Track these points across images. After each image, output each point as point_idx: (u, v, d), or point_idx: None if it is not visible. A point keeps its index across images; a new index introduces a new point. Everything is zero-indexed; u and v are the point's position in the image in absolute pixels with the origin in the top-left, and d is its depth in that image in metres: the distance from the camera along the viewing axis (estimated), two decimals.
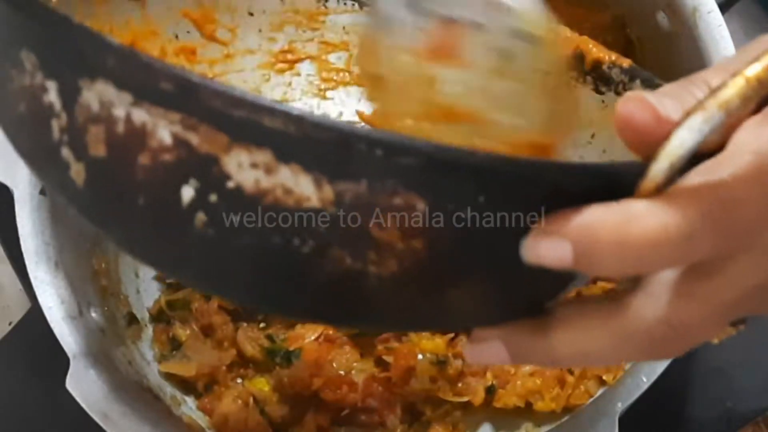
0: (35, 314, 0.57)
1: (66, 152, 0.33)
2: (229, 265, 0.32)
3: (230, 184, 0.30)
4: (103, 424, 0.53)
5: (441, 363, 0.60)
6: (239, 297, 0.36)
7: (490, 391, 0.60)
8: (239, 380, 0.63)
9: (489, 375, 0.61)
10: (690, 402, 0.62)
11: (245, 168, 0.30)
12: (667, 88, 0.33)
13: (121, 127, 0.31)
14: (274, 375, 0.62)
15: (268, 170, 0.30)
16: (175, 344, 0.64)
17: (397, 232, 0.30)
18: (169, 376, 0.63)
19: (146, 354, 0.64)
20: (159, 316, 0.65)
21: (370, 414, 0.60)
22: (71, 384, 0.53)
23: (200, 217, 0.31)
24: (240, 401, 0.61)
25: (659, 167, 0.30)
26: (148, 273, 0.67)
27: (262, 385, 0.62)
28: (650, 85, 0.52)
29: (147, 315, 0.66)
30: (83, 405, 0.53)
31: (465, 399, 0.61)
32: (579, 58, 0.55)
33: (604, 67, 0.54)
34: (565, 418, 0.59)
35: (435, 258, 0.31)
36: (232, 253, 0.31)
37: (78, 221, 0.61)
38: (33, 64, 0.33)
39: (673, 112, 0.31)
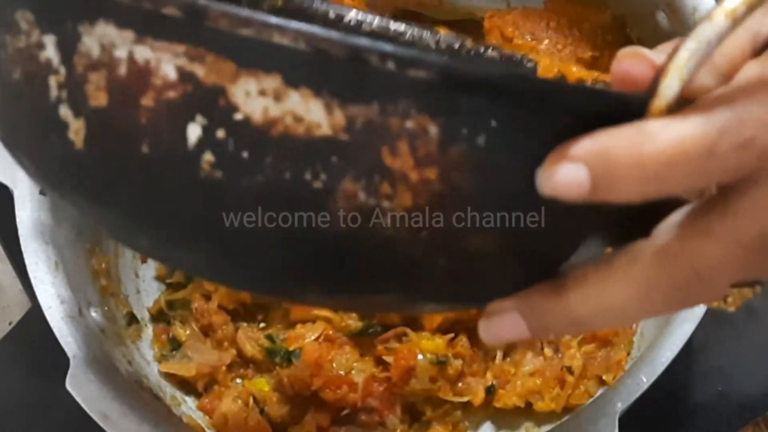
0: (35, 314, 0.57)
1: (64, 111, 0.31)
2: (237, 210, 0.30)
3: (238, 116, 0.29)
4: (102, 424, 0.53)
5: (441, 363, 0.60)
6: (246, 256, 0.33)
7: (491, 391, 0.60)
8: (239, 380, 0.63)
9: (489, 375, 0.61)
10: (690, 402, 0.62)
11: (253, 96, 0.29)
12: (658, 47, 0.33)
13: (123, 70, 0.30)
14: (274, 375, 0.62)
15: (277, 97, 0.29)
16: (175, 344, 0.64)
17: (410, 159, 0.29)
18: (169, 376, 0.63)
19: (146, 354, 0.64)
20: (159, 316, 0.65)
21: (371, 414, 0.60)
22: (71, 384, 0.53)
23: (207, 158, 0.30)
24: (240, 401, 0.61)
25: (669, 83, 0.30)
26: (148, 273, 0.68)
27: (262, 385, 0.62)
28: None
29: (147, 315, 0.66)
30: (83, 405, 0.53)
31: (465, 399, 0.61)
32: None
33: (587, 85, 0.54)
34: (565, 418, 0.59)
35: (448, 193, 0.30)
36: (241, 198, 0.30)
37: (77, 221, 0.61)
38: (29, 21, 0.32)
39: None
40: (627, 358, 0.60)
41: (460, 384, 0.61)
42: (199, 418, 0.61)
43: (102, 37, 0.30)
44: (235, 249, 0.32)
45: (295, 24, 0.28)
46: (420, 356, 0.60)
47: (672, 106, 0.30)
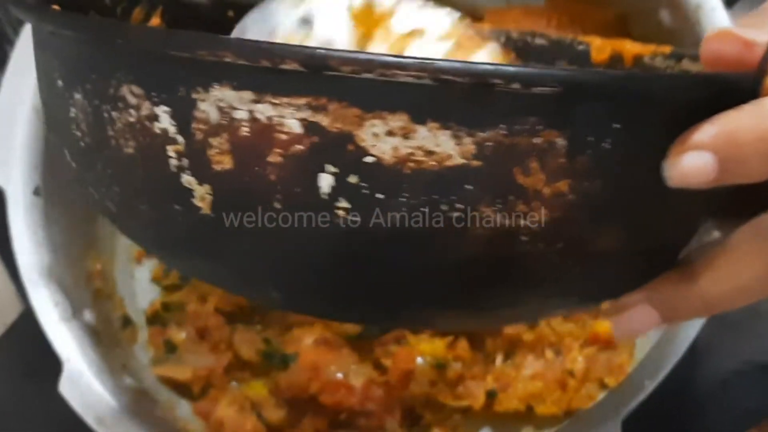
0: (28, 317, 0.57)
1: (187, 179, 0.31)
2: (380, 254, 0.31)
3: (368, 160, 0.30)
4: (97, 429, 0.52)
5: (440, 366, 0.60)
6: (391, 292, 0.34)
7: (491, 395, 0.60)
8: (235, 384, 0.63)
9: (489, 378, 0.61)
10: (694, 405, 0.62)
11: (382, 138, 0.29)
12: (740, 21, 0.34)
13: (245, 130, 0.30)
14: (271, 378, 0.61)
15: (406, 135, 0.29)
16: (171, 347, 0.63)
17: (541, 175, 0.30)
18: (165, 380, 0.63)
19: (141, 357, 0.63)
20: (154, 319, 0.65)
21: (369, 418, 0.60)
22: (65, 388, 0.53)
23: (342, 205, 0.30)
24: (236, 405, 0.61)
25: None
26: (144, 274, 0.67)
27: (258, 388, 0.61)
28: (697, 59, 0.52)
29: (142, 317, 0.65)
30: (77, 409, 0.53)
31: (465, 403, 0.60)
32: (617, 59, 0.54)
33: (646, 59, 0.54)
34: (567, 421, 0.58)
35: (580, 201, 0.31)
36: (381, 238, 0.31)
37: (71, 222, 0.61)
38: (137, 95, 0.32)
39: (758, 36, 0.31)
40: (629, 361, 0.60)
41: (459, 387, 0.61)
42: (195, 422, 0.61)
43: (219, 101, 0.30)
44: (383, 287, 0.33)
45: (413, 59, 0.28)
46: (419, 359, 0.60)
47: None
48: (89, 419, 0.52)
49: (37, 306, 0.56)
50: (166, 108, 0.31)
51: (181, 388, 0.62)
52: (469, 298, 0.33)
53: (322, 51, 0.29)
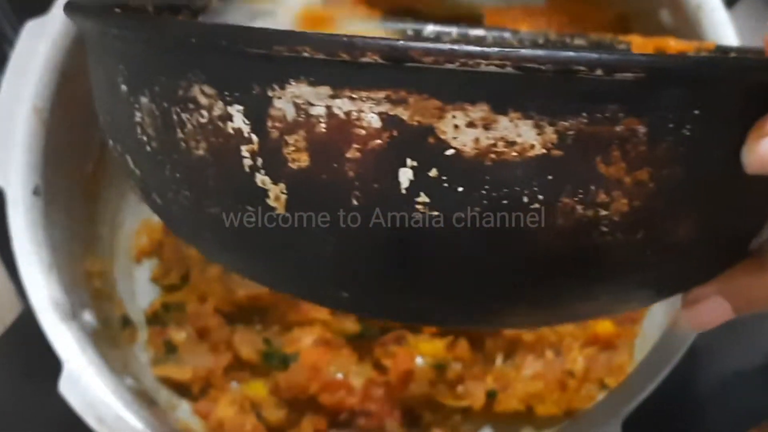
0: (27, 317, 0.57)
1: (261, 178, 0.31)
2: (458, 249, 0.31)
3: (449, 152, 0.29)
4: (97, 428, 0.52)
5: (440, 367, 0.60)
6: (469, 287, 0.33)
7: (491, 395, 0.60)
8: (235, 384, 0.63)
9: (489, 379, 0.60)
10: (694, 405, 0.62)
11: (462, 130, 0.29)
12: None
13: (322, 126, 0.30)
14: (271, 378, 0.61)
15: (487, 126, 0.29)
16: (170, 347, 0.63)
17: (622, 164, 0.30)
18: (164, 380, 0.63)
19: (141, 357, 0.63)
20: (154, 319, 0.65)
21: (369, 418, 0.60)
22: (64, 388, 0.53)
23: (421, 199, 0.30)
24: (236, 405, 0.61)
25: None
26: (143, 274, 0.67)
27: (258, 389, 0.61)
28: (744, 52, 0.52)
29: (142, 317, 0.65)
30: (76, 409, 0.53)
31: (465, 403, 0.60)
32: None
33: None
34: (567, 422, 0.58)
35: (659, 190, 0.30)
36: (461, 233, 0.30)
37: (71, 222, 0.61)
38: (209, 95, 0.31)
39: None
40: (629, 362, 0.60)
41: (459, 388, 0.60)
42: (195, 423, 0.61)
43: (295, 98, 0.30)
44: (459, 284, 0.33)
45: (496, 48, 0.28)
46: (419, 360, 0.60)
47: None
48: (89, 419, 0.52)
49: (37, 306, 0.56)
50: (239, 107, 0.31)
51: (181, 388, 0.62)
52: (545, 291, 0.33)
53: (404, 42, 0.28)
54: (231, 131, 0.31)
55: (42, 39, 0.58)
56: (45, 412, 0.59)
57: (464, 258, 0.31)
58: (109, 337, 0.60)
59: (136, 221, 0.68)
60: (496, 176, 0.29)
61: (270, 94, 0.30)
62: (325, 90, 0.29)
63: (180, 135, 0.32)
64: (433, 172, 0.30)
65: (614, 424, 0.50)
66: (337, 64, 0.29)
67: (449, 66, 0.28)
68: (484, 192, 0.30)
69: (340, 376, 0.60)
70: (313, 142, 0.30)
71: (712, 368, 0.62)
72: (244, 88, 0.31)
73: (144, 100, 0.33)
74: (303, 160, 0.30)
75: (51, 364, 0.54)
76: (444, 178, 0.30)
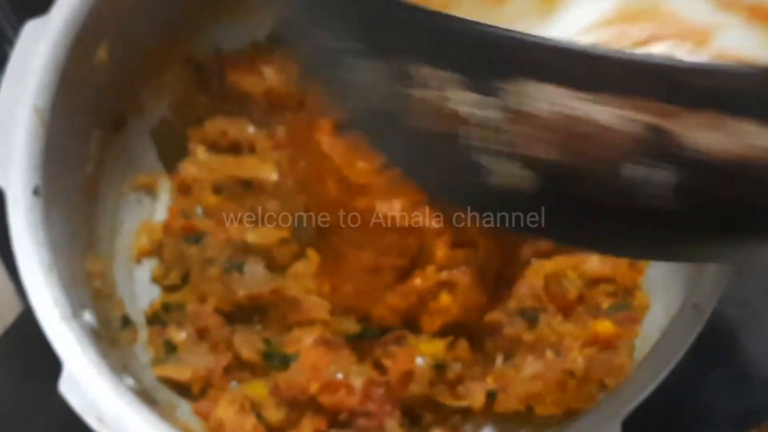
0: (27, 317, 0.57)
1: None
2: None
3: (689, 155, 0.30)
4: (97, 429, 0.52)
5: (440, 367, 0.60)
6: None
7: (491, 396, 0.60)
8: (235, 384, 0.63)
9: (489, 379, 0.60)
10: (694, 405, 0.62)
11: (701, 134, 0.30)
12: None
13: (559, 124, 0.31)
14: (271, 378, 0.61)
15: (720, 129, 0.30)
16: (170, 347, 0.63)
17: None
18: (164, 380, 0.63)
19: (141, 357, 0.63)
20: (154, 319, 0.65)
21: (369, 418, 0.60)
22: (64, 388, 0.53)
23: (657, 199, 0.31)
24: (236, 405, 0.61)
25: None
26: (144, 274, 0.67)
27: (258, 389, 0.61)
28: None
29: (142, 317, 0.65)
30: (77, 409, 0.52)
31: (465, 403, 0.60)
32: None
33: None
34: (567, 422, 0.58)
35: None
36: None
37: (71, 222, 0.61)
38: (446, 80, 0.33)
39: None
40: (629, 362, 0.60)
41: (459, 388, 0.60)
42: (195, 423, 0.61)
43: (527, 96, 0.31)
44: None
45: (740, 67, 0.30)
46: (419, 360, 0.60)
47: None
48: (89, 419, 0.52)
49: (37, 306, 0.56)
50: (473, 96, 0.32)
51: (180, 388, 0.62)
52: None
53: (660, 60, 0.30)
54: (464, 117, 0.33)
55: (42, 39, 0.58)
56: (45, 412, 0.59)
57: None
58: (109, 337, 0.60)
59: (136, 221, 0.68)
60: (746, 179, 0.31)
61: (502, 86, 0.31)
62: (556, 89, 0.31)
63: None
64: (672, 177, 0.31)
65: (614, 424, 0.50)
66: (572, 68, 0.30)
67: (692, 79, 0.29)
68: (728, 192, 0.31)
69: (340, 376, 0.60)
70: (549, 138, 0.31)
71: (713, 368, 0.62)
72: (483, 82, 0.32)
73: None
74: (552, 154, 0.32)
75: (51, 364, 0.54)
76: (687, 180, 0.31)
